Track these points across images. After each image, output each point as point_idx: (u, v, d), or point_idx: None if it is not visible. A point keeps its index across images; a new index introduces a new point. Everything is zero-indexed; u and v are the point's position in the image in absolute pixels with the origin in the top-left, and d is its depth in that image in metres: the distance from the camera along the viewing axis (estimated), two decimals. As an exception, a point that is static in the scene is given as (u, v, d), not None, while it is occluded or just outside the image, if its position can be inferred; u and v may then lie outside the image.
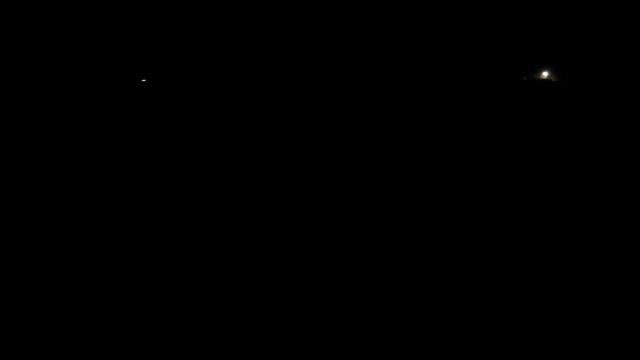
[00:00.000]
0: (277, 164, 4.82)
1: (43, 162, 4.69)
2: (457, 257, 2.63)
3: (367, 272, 2.47)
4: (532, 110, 6.53)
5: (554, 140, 5.51)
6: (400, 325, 1.96)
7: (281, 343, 1.82)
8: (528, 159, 4.85)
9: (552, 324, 1.97)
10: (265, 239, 2.92)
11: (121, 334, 1.85)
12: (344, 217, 3.30)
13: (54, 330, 1.86)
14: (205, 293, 2.21)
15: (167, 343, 1.80)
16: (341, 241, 2.87)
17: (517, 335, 1.90)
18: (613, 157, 4.90)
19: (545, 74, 7.35)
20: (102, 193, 3.79)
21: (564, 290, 2.26)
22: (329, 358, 1.73)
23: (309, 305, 2.10)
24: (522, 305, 2.12)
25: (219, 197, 3.76)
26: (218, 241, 2.86)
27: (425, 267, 2.50)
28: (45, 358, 1.68)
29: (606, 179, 4.17)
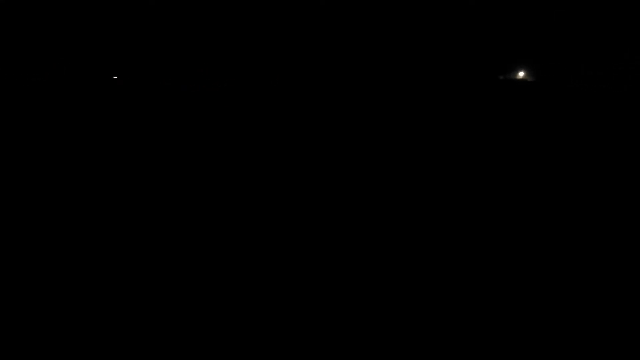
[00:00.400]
0: (277, 163, 4.83)
1: (43, 162, 4.69)
2: (441, 254, 2.63)
3: (366, 272, 2.47)
4: (508, 111, 6.55)
5: (530, 140, 5.52)
6: (400, 324, 1.97)
7: (281, 343, 1.82)
8: (504, 159, 4.86)
9: (552, 324, 1.97)
10: (265, 239, 2.92)
11: (121, 334, 1.85)
12: (342, 216, 3.30)
13: (53, 330, 1.86)
14: (205, 293, 2.21)
15: (167, 343, 1.80)
16: (341, 241, 2.87)
17: (517, 335, 1.90)
18: (586, 154, 4.91)
19: (521, 74, 7.38)
20: (102, 193, 3.79)
21: (557, 289, 2.26)
22: (329, 358, 1.73)
23: (309, 305, 2.11)
24: (520, 305, 2.12)
25: (219, 197, 3.76)
26: (218, 241, 2.86)
27: (414, 264, 2.51)
28: (45, 358, 1.69)
29: (583, 175, 4.18)
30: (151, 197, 3.70)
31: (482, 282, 2.34)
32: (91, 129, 6.23)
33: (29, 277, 2.33)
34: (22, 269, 2.42)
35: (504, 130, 5.91)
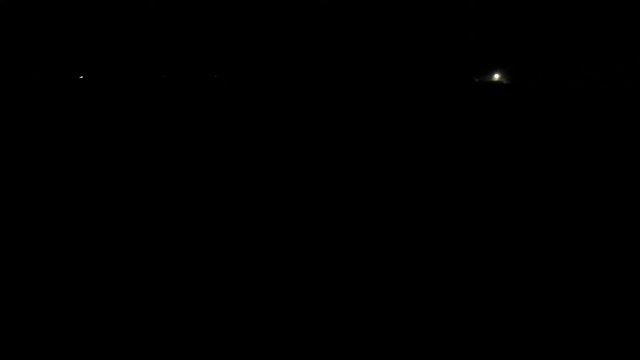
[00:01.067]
0: (276, 163, 4.83)
1: (43, 162, 4.69)
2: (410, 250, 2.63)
3: (364, 272, 2.47)
4: (484, 112, 6.57)
5: (506, 140, 5.52)
6: (400, 325, 1.97)
7: (281, 343, 1.82)
8: (487, 158, 4.87)
9: (552, 324, 1.97)
10: (265, 238, 2.92)
11: (121, 334, 1.86)
12: (341, 214, 3.30)
13: (53, 331, 1.86)
14: (205, 293, 2.21)
15: (167, 343, 1.81)
16: (340, 239, 2.87)
17: (517, 335, 1.91)
18: (561, 153, 4.93)
19: (496, 76, 7.42)
20: (102, 192, 3.79)
21: (553, 290, 2.26)
22: (329, 358, 1.74)
23: (309, 305, 2.11)
24: (519, 305, 2.12)
25: (219, 196, 3.76)
26: (218, 240, 2.86)
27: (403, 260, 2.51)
28: (45, 358, 1.69)
29: (570, 174, 4.19)
30: (152, 196, 3.70)
31: (473, 282, 2.34)
32: (91, 128, 6.24)
33: (29, 276, 2.33)
34: (24, 268, 2.42)
35: (481, 131, 5.93)
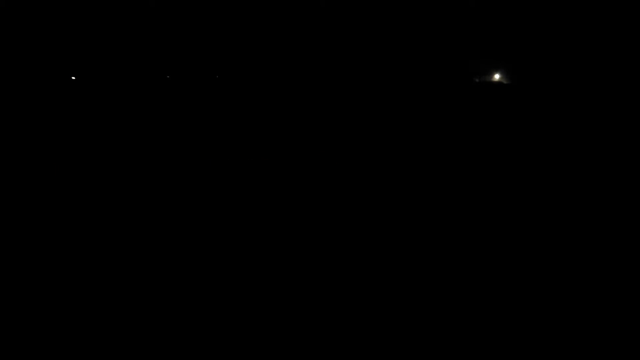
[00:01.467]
0: (276, 162, 4.83)
1: (44, 161, 4.69)
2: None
3: (364, 271, 2.47)
4: (484, 113, 6.56)
5: (507, 142, 5.52)
6: (400, 325, 1.97)
7: (281, 343, 1.82)
8: (486, 159, 4.87)
9: (552, 324, 1.97)
10: (264, 236, 2.92)
11: (121, 334, 1.85)
12: (339, 213, 3.30)
13: (54, 330, 1.86)
14: (204, 290, 2.21)
15: (167, 343, 1.80)
16: (338, 238, 2.87)
17: (517, 335, 1.90)
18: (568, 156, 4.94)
19: (497, 76, 7.38)
20: (103, 191, 3.79)
21: (542, 289, 2.26)
22: (329, 358, 1.73)
23: (309, 304, 2.10)
24: (516, 305, 2.12)
25: (218, 194, 3.76)
26: (217, 238, 2.86)
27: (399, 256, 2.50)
28: (45, 358, 1.69)
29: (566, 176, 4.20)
30: (152, 194, 3.70)
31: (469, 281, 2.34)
32: (91, 128, 6.24)
33: (29, 276, 2.33)
34: (24, 268, 2.42)
35: (481, 131, 5.93)
